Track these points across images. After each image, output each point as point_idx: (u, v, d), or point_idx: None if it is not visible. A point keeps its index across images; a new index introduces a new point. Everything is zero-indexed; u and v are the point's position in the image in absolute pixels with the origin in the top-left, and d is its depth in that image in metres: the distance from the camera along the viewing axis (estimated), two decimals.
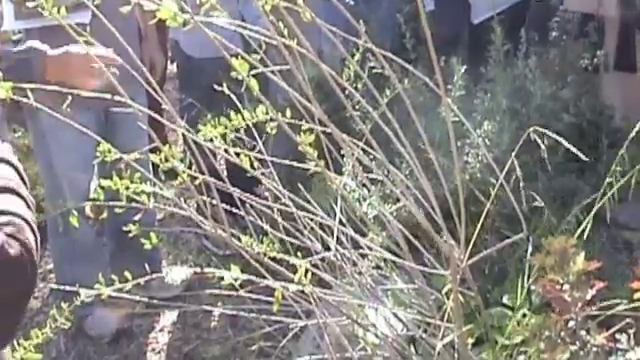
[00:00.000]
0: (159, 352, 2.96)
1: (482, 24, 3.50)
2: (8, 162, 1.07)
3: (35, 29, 2.71)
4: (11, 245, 0.94)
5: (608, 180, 1.95)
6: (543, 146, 1.60)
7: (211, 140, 1.71)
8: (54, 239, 3.00)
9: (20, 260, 0.96)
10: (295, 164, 1.84)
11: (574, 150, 1.69)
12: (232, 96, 1.80)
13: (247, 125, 1.75)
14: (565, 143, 1.63)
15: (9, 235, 0.95)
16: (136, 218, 1.76)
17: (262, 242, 1.77)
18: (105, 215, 1.80)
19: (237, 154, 1.70)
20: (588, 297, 1.53)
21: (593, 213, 2.01)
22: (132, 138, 2.60)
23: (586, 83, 2.99)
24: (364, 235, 2.01)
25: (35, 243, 1.02)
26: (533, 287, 2.05)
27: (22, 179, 1.08)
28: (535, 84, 2.76)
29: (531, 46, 2.93)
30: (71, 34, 1.51)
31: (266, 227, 1.90)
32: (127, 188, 1.68)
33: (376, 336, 1.95)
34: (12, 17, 2.70)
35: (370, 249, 1.95)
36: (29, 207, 1.04)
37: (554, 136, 1.63)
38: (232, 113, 1.71)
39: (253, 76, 1.49)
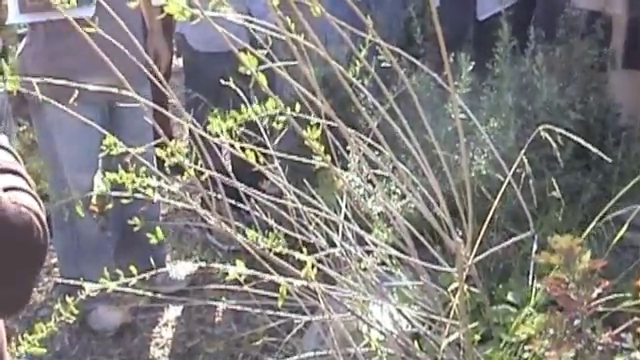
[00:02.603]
0: (163, 347, 2.96)
1: (488, 21, 3.49)
2: (6, 149, 1.10)
3: (40, 23, 2.71)
4: (21, 211, 0.98)
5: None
6: (554, 144, 1.59)
7: (217, 135, 1.71)
8: (58, 233, 3.00)
9: (32, 226, 1.00)
10: (301, 159, 1.83)
11: (583, 146, 1.68)
12: (239, 91, 1.80)
13: (253, 120, 1.75)
14: (576, 139, 1.62)
15: (16, 203, 0.99)
16: (141, 210, 1.76)
17: (267, 237, 1.77)
18: (110, 206, 1.80)
19: (242, 149, 1.70)
20: (594, 295, 1.53)
21: (597, 210, 2.00)
22: (137, 132, 2.59)
23: (593, 81, 2.98)
24: (369, 231, 2.01)
25: (42, 214, 1.06)
26: (538, 285, 2.04)
27: (19, 164, 1.12)
28: (542, 81, 2.75)
29: (538, 43, 2.92)
30: (76, 28, 1.51)
31: (271, 222, 1.89)
32: (132, 182, 1.68)
33: (381, 332, 1.95)
34: (17, 11, 2.70)
35: (375, 245, 1.95)
36: (31, 187, 1.08)
37: (564, 133, 1.63)
38: (241, 107, 1.71)
39: (260, 71, 1.49)
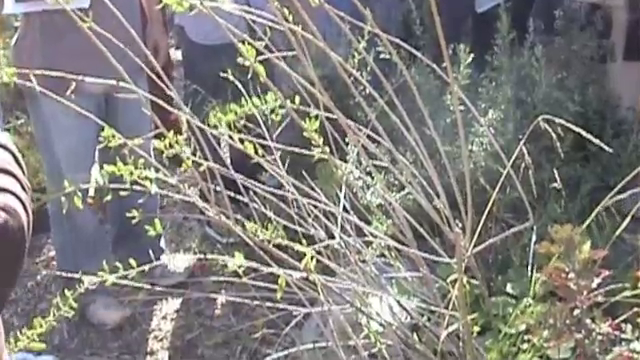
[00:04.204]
0: (162, 339, 2.96)
1: (486, 13, 3.48)
2: (5, 147, 1.08)
3: (35, 13, 2.69)
4: None
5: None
6: (554, 135, 1.59)
7: (215, 127, 1.70)
8: (56, 227, 2.99)
9: (6, 229, 0.97)
10: (300, 151, 1.83)
11: (582, 138, 1.68)
12: (237, 83, 1.80)
13: (252, 112, 1.74)
14: (575, 130, 1.62)
15: None
16: (140, 202, 1.76)
17: (266, 229, 1.77)
18: (108, 199, 1.80)
19: (241, 141, 1.70)
20: (593, 285, 1.53)
21: (596, 201, 2.00)
22: (133, 124, 2.59)
23: (592, 73, 2.98)
24: (368, 223, 2.01)
25: (27, 220, 1.03)
26: (537, 276, 2.05)
27: (19, 165, 1.10)
28: (540, 73, 2.74)
29: (537, 35, 2.92)
30: (71, 19, 1.51)
31: (270, 214, 1.89)
32: (131, 174, 1.68)
33: (380, 324, 1.95)
34: (12, 1, 2.68)
35: (374, 237, 1.95)
36: (24, 190, 1.06)
37: (565, 124, 1.63)
38: (240, 100, 1.70)
39: (259, 63, 1.48)
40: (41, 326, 1.74)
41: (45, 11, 2.60)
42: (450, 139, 2.52)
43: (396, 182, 2.43)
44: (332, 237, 1.89)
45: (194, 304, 3.08)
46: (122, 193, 1.71)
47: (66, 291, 1.75)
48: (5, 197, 1.00)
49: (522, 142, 1.70)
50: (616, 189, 1.90)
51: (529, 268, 2.15)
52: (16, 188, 1.03)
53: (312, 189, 1.89)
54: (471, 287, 1.96)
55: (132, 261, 1.69)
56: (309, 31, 1.51)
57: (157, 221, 1.70)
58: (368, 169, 1.96)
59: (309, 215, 1.90)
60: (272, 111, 1.72)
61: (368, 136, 1.80)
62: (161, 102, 1.77)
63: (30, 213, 1.05)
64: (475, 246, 1.69)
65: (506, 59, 2.80)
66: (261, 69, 1.47)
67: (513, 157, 1.68)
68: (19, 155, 1.12)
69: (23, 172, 1.11)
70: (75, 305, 1.73)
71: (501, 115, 2.65)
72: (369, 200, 2.15)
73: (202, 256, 1.94)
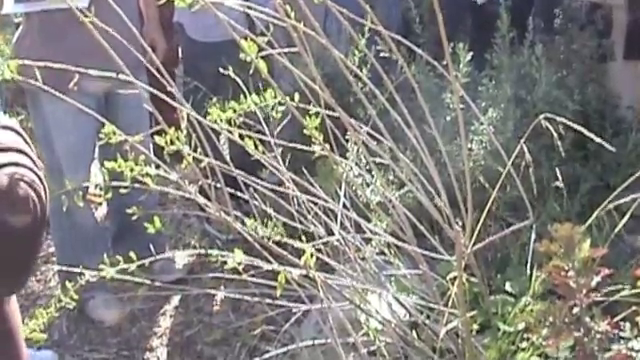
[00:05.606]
0: (161, 336, 2.97)
1: (486, 11, 3.48)
2: (16, 130, 1.12)
3: (35, 13, 2.69)
4: (19, 185, 1.00)
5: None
6: (555, 134, 1.60)
7: (216, 123, 1.70)
8: (55, 223, 2.99)
9: (28, 198, 1.01)
10: (300, 148, 1.83)
11: (581, 137, 1.68)
12: (237, 80, 1.80)
13: (252, 109, 1.75)
14: (576, 129, 1.63)
15: (17, 178, 1.01)
16: (139, 200, 1.76)
17: (266, 226, 1.77)
18: (108, 196, 1.80)
19: (242, 138, 1.70)
20: (593, 284, 1.53)
21: (595, 200, 2.00)
22: (133, 121, 2.59)
23: (592, 72, 2.98)
24: (368, 220, 2.01)
25: (43, 191, 1.07)
26: (536, 274, 2.05)
27: (29, 146, 1.14)
28: (540, 72, 2.75)
29: (537, 34, 2.92)
30: (71, 18, 1.51)
31: (270, 211, 1.89)
32: (131, 170, 1.68)
33: (379, 322, 1.95)
34: (12, 1, 2.68)
35: (374, 234, 1.95)
36: (36, 166, 1.10)
37: (565, 122, 1.63)
38: (240, 97, 1.70)
39: (260, 59, 1.49)
40: (42, 316, 1.74)
41: (45, 11, 2.60)
42: (450, 137, 2.52)
43: (396, 180, 2.43)
44: (332, 234, 1.89)
45: (193, 301, 3.08)
46: (122, 190, 1.71)
47: (67, 283, 1.75)
48: (25, 171, 1.04)
49: (522, 140, 1.70)
50: (618, 190, 1.90)
51: (528, 266, 2.15)
52: (32, 165, 1.07)
53: (312, 186, 1.89)
54: (470, 285, 1.96)
55: (132, 256, 1.69)
56: (310, 27, 1.51)
57: (157, 218, 1.70)
58: (368, 166, 1.96)
59: (309, 212, 1.90)
60: (272, 108, 1.72)
61: (368, 133, 1.80)
62: (161, 99, 1.77)
63: (45, 184, 1.09)
64: (475, 244, 1.69)
65: (506, 58, 2.80)
66: (263, 65, 1.47)
67: (513, 156, 1.68)
68: (27, 138, 1.15)
69: (32, 152, 1.15)
70: (76, 297, 1.73)
71: (501, 113, 2.65)
72: (369, 197, 2.15)
73: (202, 252, 1.94)
